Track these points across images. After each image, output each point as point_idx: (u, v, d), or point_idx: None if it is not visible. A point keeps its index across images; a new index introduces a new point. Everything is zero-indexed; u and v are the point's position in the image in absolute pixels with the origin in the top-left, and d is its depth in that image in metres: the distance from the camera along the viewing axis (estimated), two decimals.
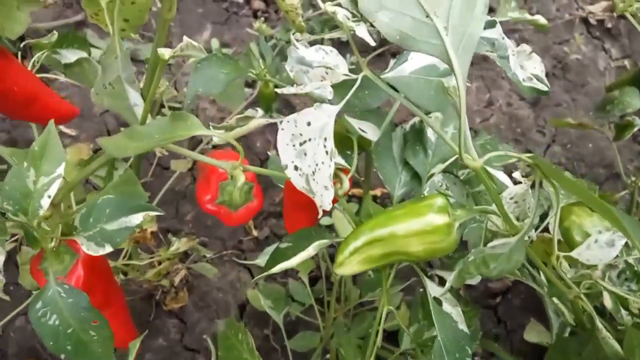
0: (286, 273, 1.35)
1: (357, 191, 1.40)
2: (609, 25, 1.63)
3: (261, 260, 1.34)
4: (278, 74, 1.22)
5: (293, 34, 0.55)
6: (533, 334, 1.14)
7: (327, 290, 1.25)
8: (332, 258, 1.19)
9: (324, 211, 0.60)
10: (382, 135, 0.68)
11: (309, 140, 0.52)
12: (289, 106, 1.48)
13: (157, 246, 1.22)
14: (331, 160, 0.49)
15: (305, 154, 0.53)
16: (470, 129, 0.70)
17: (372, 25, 0.40)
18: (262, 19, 1.50)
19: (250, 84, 1.44)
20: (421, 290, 0.60)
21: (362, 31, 0.43)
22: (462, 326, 0.51)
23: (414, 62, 0.61)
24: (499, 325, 1.29)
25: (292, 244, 0.63)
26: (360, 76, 0.49)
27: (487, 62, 1.58)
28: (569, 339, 0.65)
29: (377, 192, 1.40)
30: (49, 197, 0.46)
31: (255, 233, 1.38)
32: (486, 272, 0.49)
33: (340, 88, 0.57)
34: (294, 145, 0.54)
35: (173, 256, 0.97)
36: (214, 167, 0.57)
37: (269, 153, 1.44)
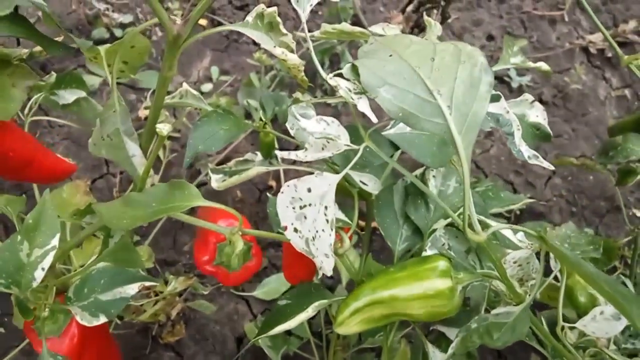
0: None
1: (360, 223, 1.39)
2: (609, 54, 1.63)
3: (259, 292, 1.33)
4: (277, 105, 1.21)
5: (293, 100, 0.55)
6: None
7: (325, 324, 1.23)
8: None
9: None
10: (383, 189, 0.67)
11: (309, 205, 0.51)
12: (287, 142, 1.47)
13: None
14: (332, 229, 0.48)
15: (305, 217, 0.52)
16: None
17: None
18: (262, 49, 1.50)
19: (249, 115, 1.43)
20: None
21: (363, 105, 0.43)
22: None
23: None
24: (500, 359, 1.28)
25: (291, 301, 0.62)
26: (361, 147, 0.48)
27: None
28: None
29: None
30: (43, 269, 0.45)
31: None
32: (490, 342, 0.48)
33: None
34: (293, 208, 0.53)
35: (170, 295, 0.95)
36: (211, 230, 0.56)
37: (268, 187, 1.43)
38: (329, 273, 0.52)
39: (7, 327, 1.25)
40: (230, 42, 1.61)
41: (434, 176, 0.67)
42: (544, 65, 0.76)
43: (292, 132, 0.54)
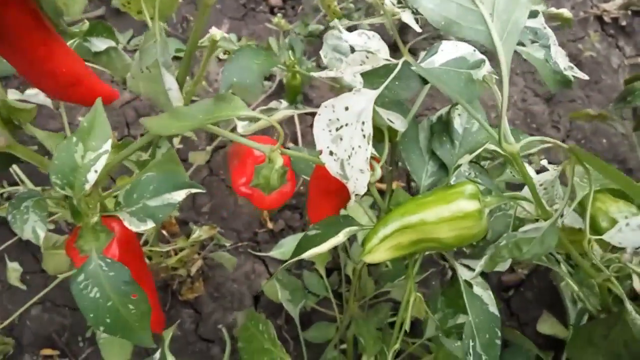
0: (300, 264, 1.36)
1: (377, 185, 1.41)
2: (623, 23, 1.64)
3: (276, 252, 1.35)
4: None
5: (329, 21, 0.56)
6: (546, 326, 1.15)
7: (340, 282, 1.26)
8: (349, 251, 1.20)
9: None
10: (408, 127, 0.69)
11: (346, 125, 0.53)
12: (306, 100, 1.49)
13: (174, 237, 1.23)
14: (368, 143, 0.50)
15: (341, 139, 0.54)
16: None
17: (416, 12, 0.41)
18: (280, 14, 1.52)
19: (268, 78, 1.45)
20: (449, 276, 0.60)
21: (407, 17, 0.44)
22: (493, 309, 0.52)
23: (444, 54, 0.62)
24: (512, 318, 1.30)
25: (320, 231, 0.64)
26: (401, 61, 0.50)
27: None
28: (593, 323, 0.66)
29: (394, 185, 1.41)
30: (96, 172, 0.47)
31: (270, 225, 1.39)
32: (519, 256, 0.50)
33: (371, 77, 0.58)
34: (330, 131, 0.55)
35: (193, 244, 0.98)
36: (250, 151, 0.58)
37: (288, 145, 1.45)
38: (363, 190, 0.54)
39: (29, 284, 1.29)
40: (247, 11, 1.62)
41: (459, 114, 0.69)
42: (565, 12, 0.77)
43: (325, 61, 0.56)
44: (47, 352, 1.21)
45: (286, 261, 0.59)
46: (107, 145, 0.47)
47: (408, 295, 0.63)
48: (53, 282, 1.11)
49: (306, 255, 0.59)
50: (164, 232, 1.10)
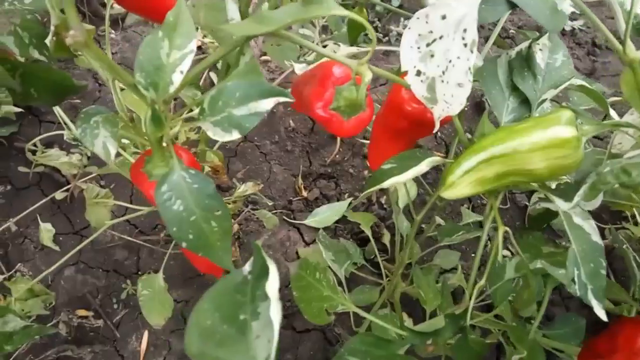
0: (335, 233, 1.33)
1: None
2: None
3: (311, 220, 1.32)
4: None
5: None
6: None
7: (379, 251, 1.23)
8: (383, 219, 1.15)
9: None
10: (487, 61, 0.65)
11: (440, 38, 0.49)
12: None
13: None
14: (472, 52, 0.47)
15: (433, 56, 0.51)
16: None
17: None
18: None
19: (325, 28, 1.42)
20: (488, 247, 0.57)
21: None
22: (596, 238, 0.49)
23: None
24: (554, 291, 1.26)
25: (396, 164, 0.61)
26: None
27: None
28: None
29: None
30: (181, 72, 0.44)
31: (305, 194, 1.36)
32: (628, 180, 0.47)
33: None
34: (418, 48, 0.51)
35: (236, 200, 0.95)
36: (330, 72, 0.55)
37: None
38: (458, 108, 0.51)
39: (62, 245, 1.27)
40: None
41: (540, 49, 0.65)
42: None
43: None
44: (81, 312, 1.19)
45: (374, 186, 0.55)
46: (193, 45, 0.44)
47: (501, 230, 0.58)
48: (85, 242, 1.09)
49: (387, 183, 0.56)
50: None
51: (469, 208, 1.27)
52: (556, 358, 0.86)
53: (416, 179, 1.33)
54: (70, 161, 0.96)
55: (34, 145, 1.22)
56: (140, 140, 0.55)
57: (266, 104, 0.45)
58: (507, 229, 0.54)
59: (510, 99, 0.64)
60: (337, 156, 1.38)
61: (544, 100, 0.62)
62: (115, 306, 1.22)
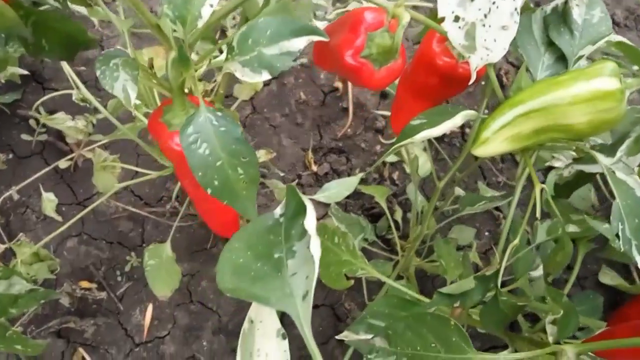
0: (345, 209, 1.30)
1: None
2: None
3: (321, 195, 1.29)
4: None
5: None
6: (607, 278, 1.10)
7: (389, 228, 1.20)
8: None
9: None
10: (522, 17, 0.62)
11: None
12: None
13: None
14: None
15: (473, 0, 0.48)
16: None
17: None
18: None
19: None
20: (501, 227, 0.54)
21: None
22: None
23: None
24: (569, 271, 1.24)
25: (426, 120, 0.58)
26: None
27: None
28: None
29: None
30: (211, 6, 0.41)
31: (314, 168, 1.33)
32: None
33: None
34: None
35: None
36: (362, 18, 0.52)
37: (334, 89, 1.38)
38: (500, 54, 0.48)
39: (64, 215, 1.24)
40: None
41: (577, 5, 0.62)
42: None
43: None
44: (84, 284, 1.16)
45: (404, 140, 0.52)
46: None
47: (538, 189, 0.55)
48: (90, 207, 1.06)
49: (419, 137, 0.53)
50: None
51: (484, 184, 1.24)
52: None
53: (430, 156, 1.30)
54: (77, 126, 0.93)
55: (38, 111, 1.19)
56: (159, 88, 0.52)
57: (298, 43, 0.42)
58: (544, 186, 0.51)
59: (546, 55, 0.61)
60: (349, 130, 1.35)
61: (580, 57, 0.59)
62: (119, 278, 1.19)
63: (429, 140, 1.35)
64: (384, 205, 1.02)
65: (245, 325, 0.40)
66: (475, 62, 0.51)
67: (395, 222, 1.24)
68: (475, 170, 1.34)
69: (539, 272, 0.72)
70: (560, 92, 0.51)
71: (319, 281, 1.11)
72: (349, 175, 1.33)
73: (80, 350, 1.12)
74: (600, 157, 0.49)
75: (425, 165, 1.17)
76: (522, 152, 0.58)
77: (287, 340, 0.40)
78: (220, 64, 0.44)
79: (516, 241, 0.51)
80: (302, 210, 0.36)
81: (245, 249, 0.38)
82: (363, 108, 1.37)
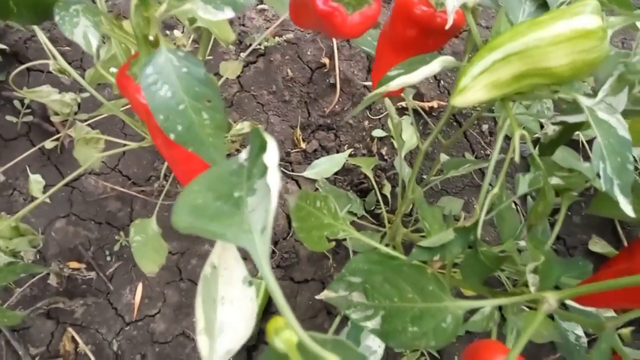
0: (334, 185, 1.29)
1: (411, 103, 1.33)
2: None
3: (310, 172, 1.28)
4: None
5: None
6: (598, 246, 1.09)
7: (377, 203, 1.19)
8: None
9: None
10: None
11: None
12: None
13: None
14: None
15: None
16: None
17: None
18: None
19: None
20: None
21: None
22: (623, 132, 0.45)
23: None
24: (558, 241, 1.23)
25: (404, 69, 0.56)
26: None
27: None
28: None
29: (434, 104, 1.33)
30: None
31: (303, 145, 1.32)
32: None
33: None
34: None
35: (234, 139, 0.90)
36: None
37: (321, 65, 1.36)
38: None
39: (54, 199, 1.23)
40: None
41: None
42: None
43: None
44: (73, 264, 1.15)
45: (380, 86, 0.51)
46: None
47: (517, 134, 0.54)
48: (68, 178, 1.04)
49: (395, 84, 0.51)
50: None
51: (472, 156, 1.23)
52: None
53: (416, 129, 1.29)
54: (63, 99, 0.91)
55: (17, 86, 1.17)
56: (124, 39, 0.51)
57: None
58: (524, 132, 0.50)
59: (527, 3, 0.59)
60: (337, 106, 1.34)
61: (563, 3, 0.57)
62: (109, 258, 1.18)
63: (418, 114, 1.33)
64: (370, 175, 1.00)
65: (207, 270, 0.39)
66: (451, 4, 0.49)
67: (384, 196, 1.23)
68: (462, 141, 1.33)
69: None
70: (540, 32, 0.49)
71: (307, 257, 1.10)
72: (337, 151, 1.31)
73: (70, 330, 1.11)
74: (582, 98, 0.48)
75: (411, 139, 1.16)
76: (502, 101, 0.56)
77: (253, 287, 0.39)
78: (182, 5, 0.42)
79: (496, 189, 0.50)
80: (264, 148, 0.35)
81: (206, 190, 0.37)
82: (350, 83, 1.35)
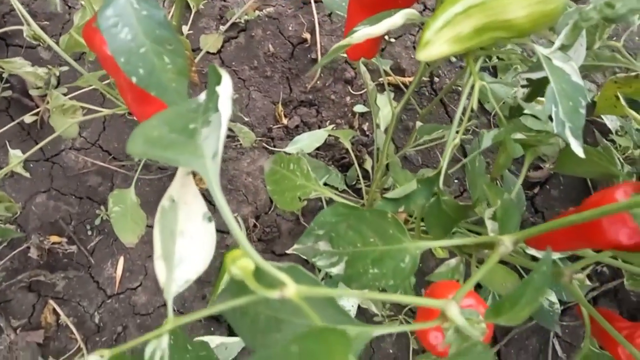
0: (316, 158, 1.30)
1: (392, 79, 1.34)
2: None
3: (291, 148, 1.29)
4: None
5: None
6: None
7: (358, 179, 1.20)
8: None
9: None
10: None
11: None
12: None
13: None
14: None
15: None
16: None
17: None
18: None
19: None
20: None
21: None
22: (576, 78, 0.46)
23: None
24: (536, 214, 1.25)
25: (369, 24, 0.57)
26: None
27: None
28: None
29: (410, 79, 1.34)
30: None
31: (285, 121, 1.32)
32: (611, 14, 0.44)
33: None
34: None
35: None
36: None
37: (302, 40, 1.37)
38: None
39: (33, 173, 1.22)
40: None
41: None
42: None
43: None
44: (54, 238, 1.16)
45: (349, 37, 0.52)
46: None
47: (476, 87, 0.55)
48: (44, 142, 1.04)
49: (358, 35, 0.52)
50: None
51: None
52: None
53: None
54: (36, 72, 0.91)
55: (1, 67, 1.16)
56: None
57: None
58: (484, 82, 0.51)
59: None
60: (318, 82, 1.34)
61: None
62: (90, 233, 1.18)
63: (399, 89, 1.34)
64: (348, 145, 1.01)
65: (165, 203, 0.40)
66: None
67: (365, 171, 1.24)
68: (443, 117, 1.34)
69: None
70: None
71: (288, 231, 1.10)
72: (319, 127, 1.32)
73: (52, 302, 1.11)
74: (538, 47, 0.49)
75: (389, 115, 1.17)
76: (465, 55, 0.57)
77: (213, 223, 0.40)
78: None
79: (457, 140, 0.51)
80: (219, 82, 0.36)
81: (162, 124, 0.37)
82: (332, 59, 1.36)
